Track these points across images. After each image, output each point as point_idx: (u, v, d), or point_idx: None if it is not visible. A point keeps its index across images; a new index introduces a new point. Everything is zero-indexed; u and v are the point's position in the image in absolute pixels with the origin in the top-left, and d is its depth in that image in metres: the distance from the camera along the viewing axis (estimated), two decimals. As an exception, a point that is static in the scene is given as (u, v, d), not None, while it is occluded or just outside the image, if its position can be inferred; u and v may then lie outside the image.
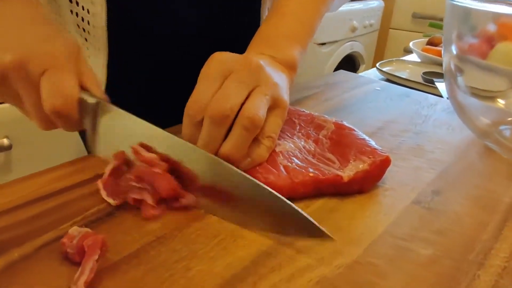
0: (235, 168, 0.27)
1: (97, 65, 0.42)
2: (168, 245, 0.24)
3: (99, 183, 0.29)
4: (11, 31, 0.29)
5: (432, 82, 0.62)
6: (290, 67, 0.35)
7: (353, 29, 1.61)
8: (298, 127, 0.35)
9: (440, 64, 0.71)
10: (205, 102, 0.28)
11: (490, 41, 0.73)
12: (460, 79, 0.42)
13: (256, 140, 0.29)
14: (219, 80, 0.28)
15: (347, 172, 0.29)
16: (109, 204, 0.28)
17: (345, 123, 0.35)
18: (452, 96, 0.42)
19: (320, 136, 0.34)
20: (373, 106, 0.49)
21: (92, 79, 0.30)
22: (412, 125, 0.43)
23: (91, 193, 0.29)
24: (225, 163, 0.27)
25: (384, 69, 0.69)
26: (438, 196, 0.30)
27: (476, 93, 0.40)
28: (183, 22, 0.45)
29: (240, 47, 0.36)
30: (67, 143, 0.91)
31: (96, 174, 0.31)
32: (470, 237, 0.26)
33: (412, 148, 0.38)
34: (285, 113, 0.32)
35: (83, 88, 0.29)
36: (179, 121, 0.30)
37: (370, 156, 0.30)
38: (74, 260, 0.22)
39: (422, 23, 1.70)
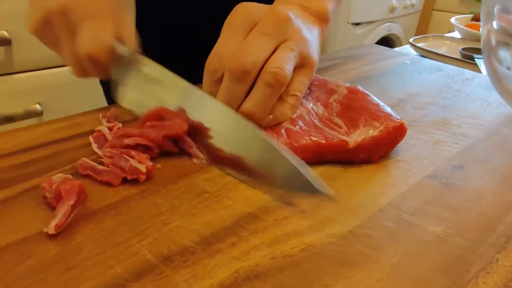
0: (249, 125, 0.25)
1: None
2: (150, 199, 0.23)
3: (91, 137, 0.28)
4: None
5: (471, 58, 0.55)
6: (322, 19, 0.32)
7: (392, 9, 1.50)
8: (308, 91, 0.32)
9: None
10: (226, 56, 0.26)
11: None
12: (503, 53, 0.37)
13: (279, 98, 0.27)
14: (242, 32, 0.26)
15: (354, 138, 0.26)
16: (99, 156, 0.27)
17: (359, 87, 0.32)
18: (491, 71, 0.37)
19: (330, 100, 0.31)
20: (398, 78, 0.44)
21: (128, 30, 0.30)
22: (440, 98, 0.39)
23: (84, 145, 0.28)
24: (242, 120, 0.25)
25: (418, 45, 0.63)
26: (459, 171, 0.26)
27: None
28: (206, 11, 0.43)
29: None
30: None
31: (92, 129, 0.31)
32: (491, 217, 0.22)
33: (436, 122, 0.34)
34: (313, 73, 0.30)
35: (119, 38, 0.29)
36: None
37: (382, 122, 0.27)
38: (51, 205, 0.22)
39: (470, 5, 1.56)
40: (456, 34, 0.74)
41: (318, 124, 0.28)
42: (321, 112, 0.30)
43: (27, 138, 0.29)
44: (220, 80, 0.26)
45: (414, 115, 0.35)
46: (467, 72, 0.47)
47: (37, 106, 0.85)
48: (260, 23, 0.26)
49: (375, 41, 1.52)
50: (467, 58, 0.56)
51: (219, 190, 0.24)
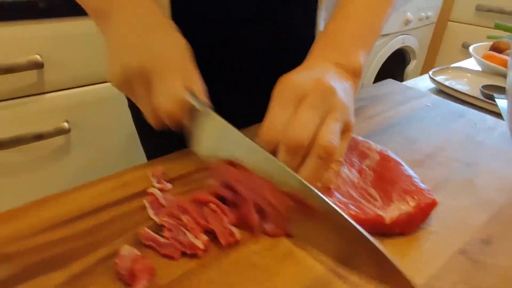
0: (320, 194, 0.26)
1: None
2: (208, 274, 0.26)
3: (145, 202, 0.31)
4: (136, 37, 0.32)
5: (492, 98, 0.57)
6: (355, 74, 0.35)
7: (407, 22, 1.50)
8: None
9: (505, 76, 0.65)
10: (280, 128, 0.28)
11: None
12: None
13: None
14: (292, 105, 0.28)
15: (390, 214, 0.28)
16: (155, 222, 0.30)
17: (390, 153, 0.34)
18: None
19: (364, 166, 0.33)
20: (422, 127, 0.46)
21: (197, 82, 0.33)
22: (464, 152, 0.41)
23: (140, 209, 0.31)
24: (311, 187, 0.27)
25: (437, 78, 0.64)
26: (488, 246, 0.29)
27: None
28: (240, 5, 0.44)
29: (291, 36, 0.35)
30: (119, 128, 0.97)
31: (144, 188, 0.34)
32: (518, 300, 0.24)
33: (462, 184, 0.36)
34: (351, 135, 0.32)
35: (189, 90, 0.32)
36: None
37: (415, 197, 0.29)
38: (125, 282, 0.24)
39: (486, 17, 1.55)
40: (474, 63, 0.75)
41: (355, 195, 0.31)
42: (356, 180, 0.32)
43: (82, 201, 0.32)
44: (274, 149, 0.29)
45: (441, 174, 0.37)
46: (489, 119, 0.48)
47: (65, 124, 0.88)
48: (309, 97, 0.28)
49: (390, 53, 1.53)
50: (488, 97, 0.57)
51: (269, 264, 0.26)
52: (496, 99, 0.56)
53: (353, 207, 0.29)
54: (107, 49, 0.34)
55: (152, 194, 0.32)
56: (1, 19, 0.73)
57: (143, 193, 0.33)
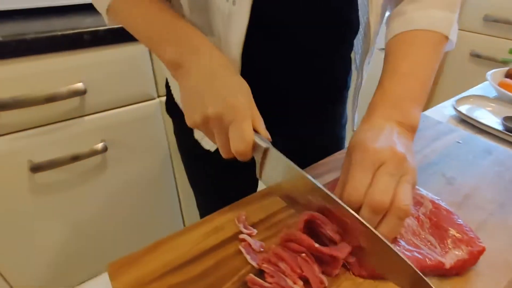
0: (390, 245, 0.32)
1: None
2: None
3: (241, 248, 0.37)
4: (208, 85, 0.37)
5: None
6: (413, 131, 0.40)
7: (418, 32, 1.55)
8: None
9: (522, 106, 0.71)
10: (363, 191, 0.33)
11: None
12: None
13: None
14: (372, 170, 0.34)
15: (449, 260, 0.35)
16: (253, 266, 0.36)
17: (441, 203, 0.40)
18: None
19: (420, 215, 0.40)
20: (456, 165, 0.52)
21: (260, 122, 0.38)
22: (496, 192, 0.47)
23: (236, 253, 0.38)
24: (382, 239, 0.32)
25: (460, 109, 0.70)
26: (527, 285, 0.35)
27: None
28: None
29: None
30: (153, 147, 1.02)
31: (233, 233, 0.40)
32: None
33: (498, 225, 0.42)
34: None
35: (255, 131, 0.37)
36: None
37: (469, 246, 0.36)
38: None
39: (493, 27, 1.61)
40: (491, 89, 0.81)
41: (416, 242, 0.37)
42: (415, 227, 0.38)
43: (186, 247, 0.38)
44: (357, 209, 0.34)
45: (480, 216, 0.43)
46: (514, 156, 0.55)
47: (100, 145, 0.93)
48: (387, 165, 0.34)
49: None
50: (509, 130, 0.63)
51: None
52: (518, 132, 0.62)
53: (417, 255, 0.35)
54: (182, 95, 0.39)
55: (244, 240, 0.38)
56: (50, 51, 0.78)
57: (234, 237, 0.39)
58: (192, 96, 0.38)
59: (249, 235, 0.39)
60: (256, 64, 0.46)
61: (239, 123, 0.36)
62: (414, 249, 0.36)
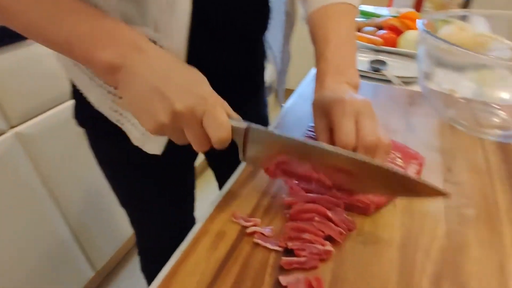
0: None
1: None
2: (348, 260, 0.35)
3: (256, 240, 0.37)
4: (166, 81, 0.34)
5: (378, 70, 0.80)
6: (357, 88, 0.46)
7: None
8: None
9: (375, 50, 0.89)
10: (354, 136, 0.37)
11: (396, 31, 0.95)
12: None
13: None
14: (354, 118, 0.38)
15: (411, 174, 0.44)
16: (276, 250, 0.36)
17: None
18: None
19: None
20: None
21: (227, 105, 0.37)
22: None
23: (252, 247, 0.37)
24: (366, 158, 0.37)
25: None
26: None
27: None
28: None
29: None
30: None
31: (238, 231, 0.38)
32: None
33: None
34: None
35: (228, 115, 0.36)
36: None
37: (415, 159, 0.45)
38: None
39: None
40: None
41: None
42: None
43: (200, 270, 0.35)
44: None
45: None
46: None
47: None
48: (363, 111, 0.39)
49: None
50: (376, 70, 0.80)
51: (368, 247, 0.38)
52: (381, 71, 0.79)
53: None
54: (131, 101, 0.35)
55: (256, 232, 0.38)
56: None
57: (241, 235, 0.38)
58: (147, 97, 0.34)
59: (256, 225, 0.39)
60: (200, 55, 0.44)
61: (213, 112, 0.35)
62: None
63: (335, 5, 0.49)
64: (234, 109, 0.38)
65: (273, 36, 0.64)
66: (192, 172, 0.70)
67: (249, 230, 0.38)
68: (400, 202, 0.43)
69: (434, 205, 0.42)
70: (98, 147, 0.57)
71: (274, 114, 0.67)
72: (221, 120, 0.35)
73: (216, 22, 0.46)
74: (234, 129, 0.37)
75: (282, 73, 0.66)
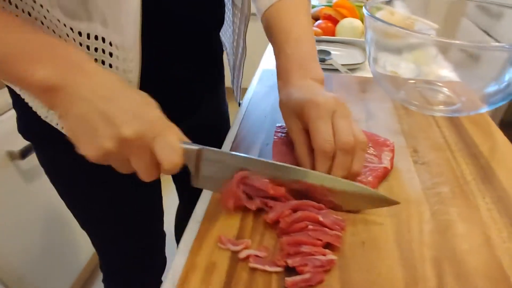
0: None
1: None
2: (352, 266, 0.33)
3: (251, 264, 0.34)
4: (111, 105, 0.31)
5: (324, 60, 0.80)
6: (322, 83, 0.45)
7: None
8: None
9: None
10: (332, 139, 0.36)
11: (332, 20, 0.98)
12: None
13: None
14: (330, 119, 0.37)
15: (386, 162, 0.44)
16: (276, 272, 0.33)
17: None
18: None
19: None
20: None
21: (177, 129, 0.35)
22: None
23: (250, 273, 0.33)
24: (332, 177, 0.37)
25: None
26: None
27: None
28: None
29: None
30: None
31: (228, 260, 0.35)
32: None
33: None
34: None
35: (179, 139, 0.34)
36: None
37: (386, 146, 0.46)
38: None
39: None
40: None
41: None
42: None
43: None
44: (331, 157, 0.37)
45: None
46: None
47: None
48: (337, 111, 0.38)
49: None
50: (321, 61, 0.80)
51: (366, 236, 0.37)
52: (327, 60, 0.80)
53: (370, 177, 0.42)
54: (70, 125, 0.32)
55: (250, 255, 0.34)
56: None
57: (234, 262, 0.34)
58: (90, 122, 0.31)
59: (247, 247, 0.35)
60: (154, 51, 0.41)
61: (163, 136, 0.33)
62: (369, 164, 0.43)
63: (291, 0, 0.47)
64: (194, 104, 0.36)
65: (224, 30, 0.61)
66: (158, 181, 0.64)
67: (241, 255, 0.35)
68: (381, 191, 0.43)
69: (412, 189, 0.43)
70: (50, 160, 0.52)
71: (231, 112, 0.65)
72: (173, 144, 0.33)
73: (170, 15, 0.43)
74: (186, 152, 0.35)
75: (235, 68, 0.63)
